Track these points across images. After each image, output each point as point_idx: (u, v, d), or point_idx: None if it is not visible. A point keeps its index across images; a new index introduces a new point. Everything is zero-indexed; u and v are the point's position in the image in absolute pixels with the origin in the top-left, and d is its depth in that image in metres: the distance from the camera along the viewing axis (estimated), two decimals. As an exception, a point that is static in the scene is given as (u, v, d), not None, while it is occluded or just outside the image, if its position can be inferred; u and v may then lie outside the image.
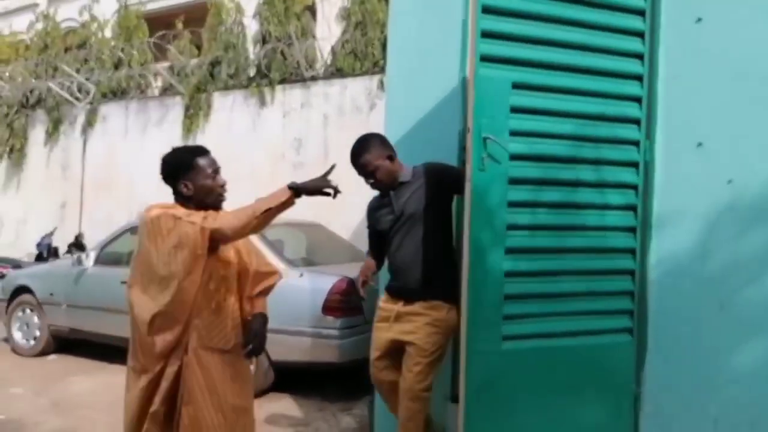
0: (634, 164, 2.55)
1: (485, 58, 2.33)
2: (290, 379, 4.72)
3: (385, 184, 2.68)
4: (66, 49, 10.94)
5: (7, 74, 11.32)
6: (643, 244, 2.53)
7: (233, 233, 2.13)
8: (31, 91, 10.84)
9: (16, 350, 6.03)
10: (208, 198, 2.24)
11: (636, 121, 2.55)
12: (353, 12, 7.84)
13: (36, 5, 11.76)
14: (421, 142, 2.95)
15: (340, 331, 4.35)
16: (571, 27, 2.44)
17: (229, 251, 2.30)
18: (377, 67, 7.28)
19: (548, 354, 2.43)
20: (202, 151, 2.27)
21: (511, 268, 2.38)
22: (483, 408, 2.34)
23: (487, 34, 2.33)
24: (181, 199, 2.25)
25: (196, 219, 2.13)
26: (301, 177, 7.92)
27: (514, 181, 2.37)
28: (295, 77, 7.93)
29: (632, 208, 2.55)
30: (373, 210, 2.82)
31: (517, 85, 2.36)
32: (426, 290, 2.62)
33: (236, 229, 2.11)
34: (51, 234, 9.05)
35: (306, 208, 7.32)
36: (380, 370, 2.74)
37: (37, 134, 10.75)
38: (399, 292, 2.71)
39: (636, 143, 2.55)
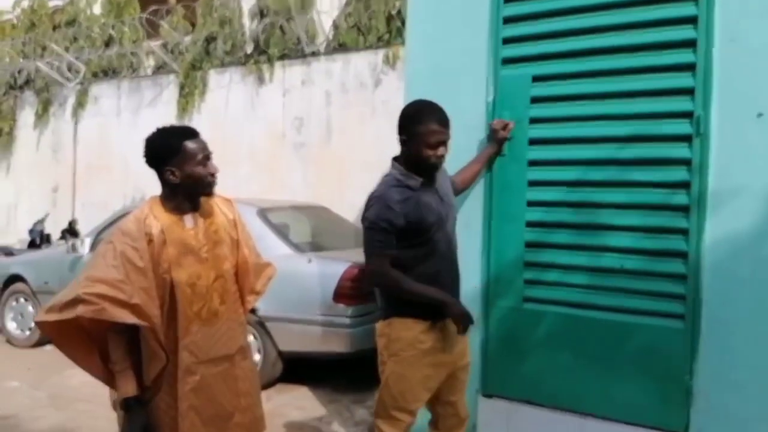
0: (687, 138, 2.33)
1: (507, 60, 2.69)
2: (300, 369, 4.53)
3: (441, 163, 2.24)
4: (54, 28, 10.51)
5: (-7, 54, 10.95)
6: (698, 225, 2.31)
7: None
8: (19, 72, 10.45)
9: (10, 341, 5.87)
10: (197, 187, 1.99)
11: (689, 92, 2.33)
12: (355, -16, 7.51)
13: (21, -18, 11.31)
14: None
15: (352, 319, 4.14)
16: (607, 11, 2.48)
17: (223, 246, 2.07)
18: (382, 42, 6.97)
19: (579, 323, 2.55)
20: (191, 134, 1.99)
21: (532, 239, 2.64)
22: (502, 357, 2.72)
23: (508, 40, 2.69)
24: (166, 187, 2.00)
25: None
26: (303, 158, 7.61)
27: (544, 163, 2.63)
28: (295, 53, 7.61)
29: (684, 185, 2.34)
30: (408, 200, 2.14)
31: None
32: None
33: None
34: (43, 220, 8.77)
35: (307, 189, 7.10)
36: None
37: (26, 116, 10.41)
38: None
39: (689, 115, 2.33)
